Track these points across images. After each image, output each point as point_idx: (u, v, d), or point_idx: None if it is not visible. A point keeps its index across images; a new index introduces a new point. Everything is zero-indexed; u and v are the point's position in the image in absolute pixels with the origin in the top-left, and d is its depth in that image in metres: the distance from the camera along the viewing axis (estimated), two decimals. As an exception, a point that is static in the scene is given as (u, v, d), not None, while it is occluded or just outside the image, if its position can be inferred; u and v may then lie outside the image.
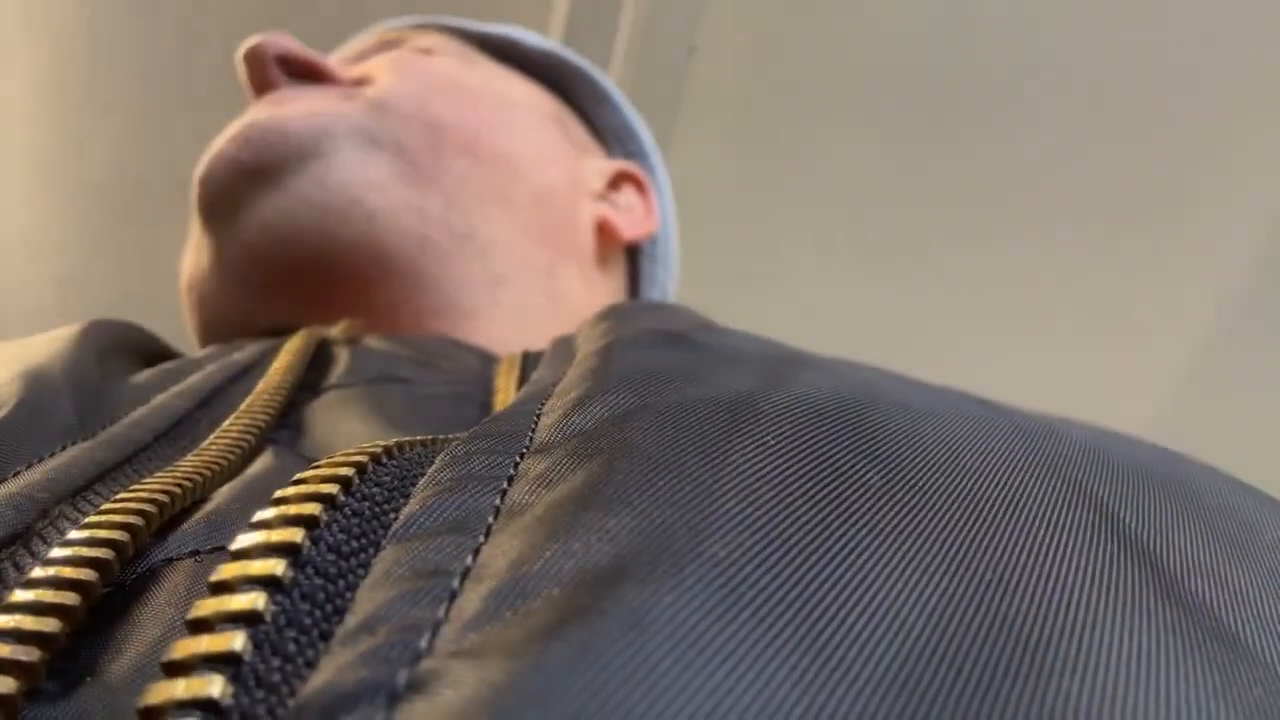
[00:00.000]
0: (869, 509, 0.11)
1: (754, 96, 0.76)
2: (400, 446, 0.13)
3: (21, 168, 0.79)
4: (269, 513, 0.11)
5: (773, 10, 0.73)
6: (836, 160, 0.78)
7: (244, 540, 0.11)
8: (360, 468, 0.12)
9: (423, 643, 0.09)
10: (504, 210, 0.34)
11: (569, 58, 0.43)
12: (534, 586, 0.09)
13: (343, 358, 0.24)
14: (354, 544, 0.11)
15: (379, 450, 0.13)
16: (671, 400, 0.13)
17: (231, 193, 0.31)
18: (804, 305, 0.82)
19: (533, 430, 0.13)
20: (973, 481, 0.12)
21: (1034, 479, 0.13)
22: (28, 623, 0.11)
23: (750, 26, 0.74)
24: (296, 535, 0.10)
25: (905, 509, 0.11)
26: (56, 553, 0.12)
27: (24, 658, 0.11)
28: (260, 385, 0.21)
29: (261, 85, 0.34)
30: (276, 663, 0.10)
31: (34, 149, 0.78)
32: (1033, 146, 0.78)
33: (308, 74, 0.34)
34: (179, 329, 0.35)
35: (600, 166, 0.41)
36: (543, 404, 0.15)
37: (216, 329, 0.33)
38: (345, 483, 0.12)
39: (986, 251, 0.81)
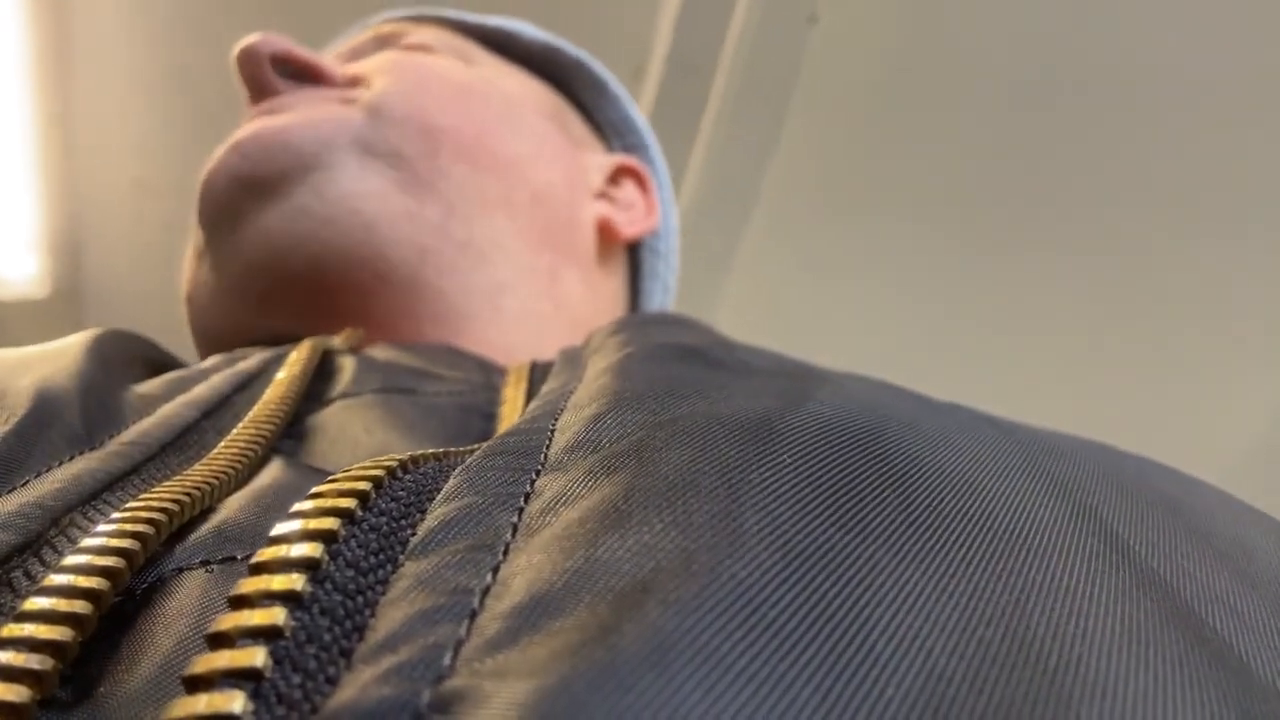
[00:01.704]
0: (887, 531, 0.11)
1: (874, 73, 0.72)
2: (414, 460, 0.13)
3: (132, 112, 0.78)
4: (288, 527, 0.11)
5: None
6: (954, 148, 0.74)
7: (263, 554, 0.11)
8: (377, 482, 0.12)
9: (445, 661, 0.09)
10: (504, 215, 0.33)
11: (568, 50, 0.43)
12: (556, 606, 0.10)
13: (347, 367, 0.24)
14: (372, 560, 0.11)
15: (394, 465, 0.13)
16: (688, 419, 0.13)
17: (232, 205, 0.31)
18: (899, 293, 0.79)
19: (547, 446, 0.14)
20: (986, 505, 0.12)
21: (1044, 503, 0.13)
22: (41, 631, 0.12)
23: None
24: (316, 550, 0.11)
25: (922, 531, 0.11)
26: (69, 561, 0.13)
27: (37, 666, 0.11)
28: (267, 394, 0.21)
29: (257, 87, 0.33)
30: (297, 679, 0.10)
31: (144, 89, 0.77)
32: (1176, 154, 0.72)
33: (303, 74, 0.34)
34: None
35: (600, 162, 0.40)
36: (556, 420, 0.15)
37: (215, 339, 0.33)
38: (363, 498, 0.12)
39: (1118, 264, 0.77)
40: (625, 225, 0.39)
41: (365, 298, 0.31)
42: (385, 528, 0.11)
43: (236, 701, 0.09)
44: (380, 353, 0.26)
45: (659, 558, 0.10)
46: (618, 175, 0.41)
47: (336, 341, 0.27)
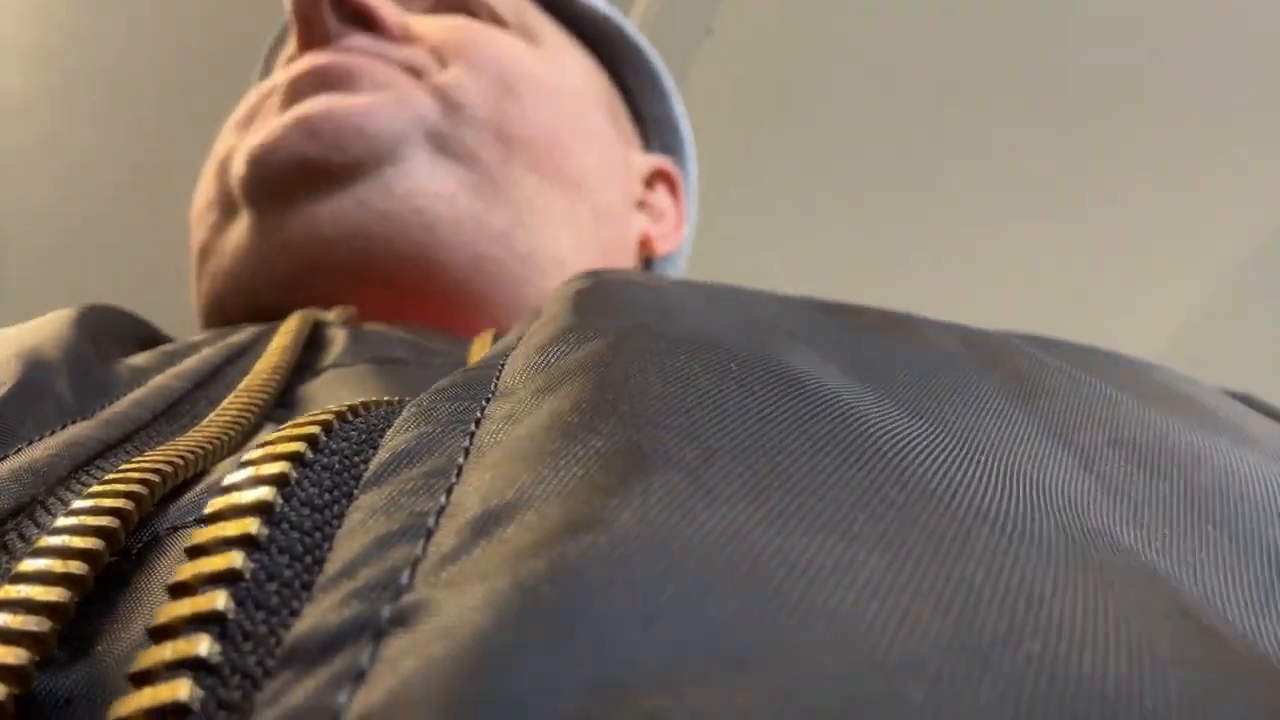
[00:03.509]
0: (825, 422, 0.12)
1: (765, 86, 0.77)
2: (366, 405, 0.14)
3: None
4: (239, 475, 0.11)
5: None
6: (842, 153, 0.81)
7: (216, 504, 0.11)
8: (326, 426, 0.12)
9: (403, 580, 0.09)
10: (568, 230, 0.33)
11: (628, 31, 0.41)
12: (507, 515, 0.10)
13: (339, 338, 0.24)
14: (326, 497, 0.11)
15: (345, 409, 0.13)
16: (637, 336, 0.13)
17: (287, 184, 0.29)
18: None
19: (497, 378, 0.14)
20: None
21: (954, 363, 0.14)
22: (37, 592, 0.12)
23: (771, 14, 0.74)
24: (269, 494, 0.11)
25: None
26: (63, 522, 0.13)
27: (35, 628, 0.12)
28: (258, 365, 0.21)
29: (310, 31, 0.31)
30: (261, 616, 0.10)
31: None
32: (1037, 143, 0.79)
33: (359, 19, 0.32)
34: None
35: (639, 163, 0.39)
36: (508, 355, 0.15)
37: (226, 307, 0.32)
38: (313, 441, 0.12)
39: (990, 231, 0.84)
40: (660, 240, 0.38)
41: (403, 295, 0.30)
42: (338, 465, 0.12)
43: (202, 644, 0.10)
44: (372, 327, 0.26)
45: (605, 460, 0.10)
46: (653, 179, 0.40)
47: (329, 315, 0.27)
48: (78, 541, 0.13)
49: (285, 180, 0.29)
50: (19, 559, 0.13)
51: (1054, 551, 0.10)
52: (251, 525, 0.10)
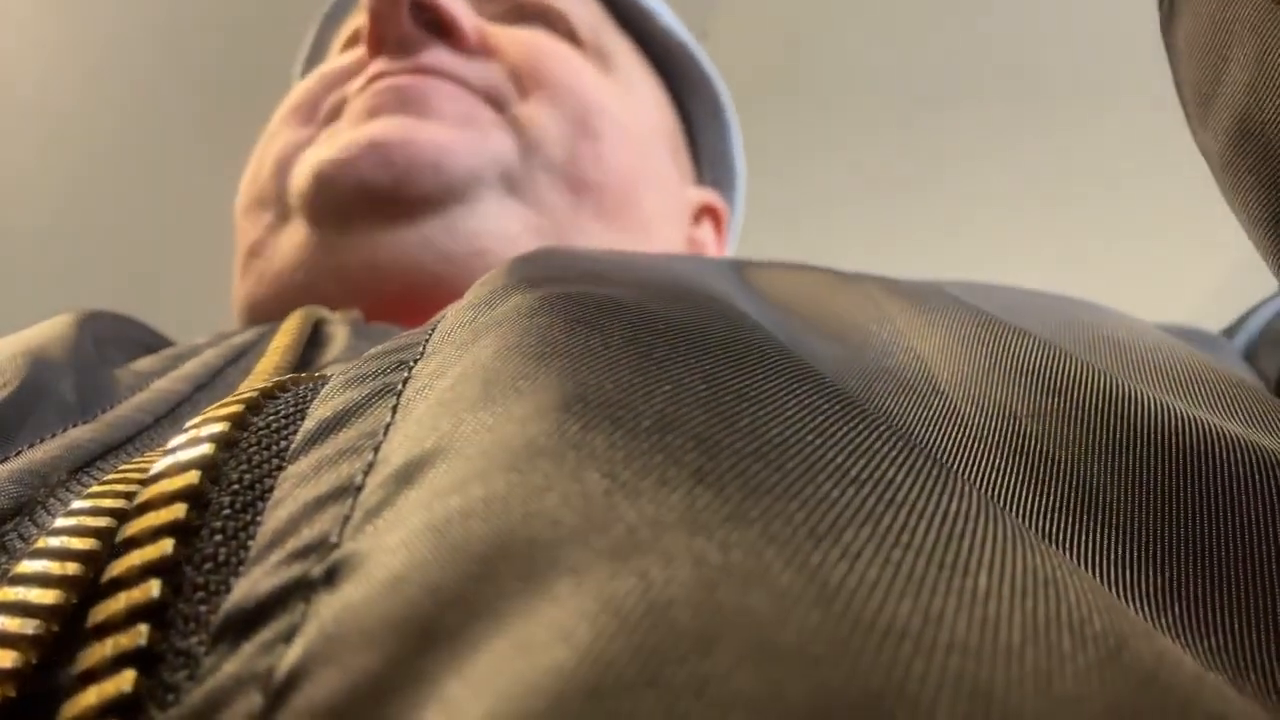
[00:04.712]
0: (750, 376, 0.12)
1: (760, 90, 0.79)
2: (295, 380, 0.13)
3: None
4: (165, 462, 0.11)
5: (790, 3, 0.77)
6: (839, 157, 0.83)
7: (146, 493, 0.11)
8: (253, 404, 0.12)
9: (333, 538, 0.10)
10: None
11: (701, 61, 0.40)
12: (428, 463, 0.10)
13: (340, 336, 0.24)
14: (256, 472, 0.11)
15: (272, 385, 0.13)
16: (562, 292, 0.13)
17: (351, 208, 0.28)
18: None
19: (426, 341, 0.13)
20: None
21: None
22: (34, 595, 0.12)
23: (766, 18, 0.77)
24: (195, 478, 0.10)
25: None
26: (61, 523, 0.13)
27: (32, 631, 0.12)
28: (259, 366, 0.20)
29: (384, 38, 0.30)
30: (200, 597, 0.10)
31: None
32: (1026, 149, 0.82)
33: (437, 26, 0.30)
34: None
35: (691, 197, 0.38)
36: (439, 322, 0.14)
37: (267, 311, 0.31)
38: (239, 420, 0.12)
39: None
40: None
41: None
42: (266, 442, 0.11)
43: (141, 635, 0.09)
44: (375, 324, 0.26)
45: (530, 403, 0.10)
46: (700, 214, 0.39)
47: (334, 316, 0.26)
48: (76, 543, 0.13)
49: (350, 204, 0.28)
50: (18, 560, 0.13)
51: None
52: (180, 511, 0.10)
